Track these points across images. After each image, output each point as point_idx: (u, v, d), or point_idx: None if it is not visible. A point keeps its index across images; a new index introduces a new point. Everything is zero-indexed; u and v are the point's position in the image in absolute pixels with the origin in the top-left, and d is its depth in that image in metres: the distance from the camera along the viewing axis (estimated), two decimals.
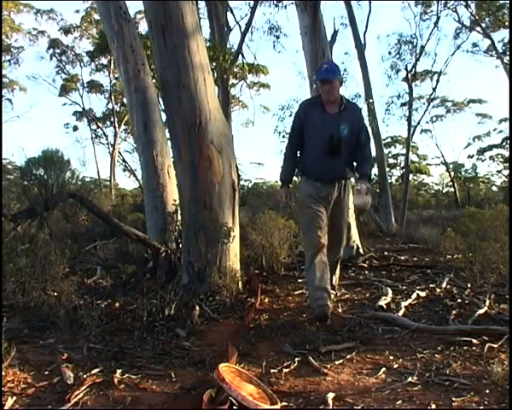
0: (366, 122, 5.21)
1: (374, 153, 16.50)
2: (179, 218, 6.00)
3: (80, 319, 4.42)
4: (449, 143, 55.52)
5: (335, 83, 4.75)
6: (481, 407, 2.81)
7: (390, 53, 18.36)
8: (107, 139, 29.42)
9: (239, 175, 11.00)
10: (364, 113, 12.91)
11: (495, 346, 3.78)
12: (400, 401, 2.94)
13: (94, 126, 29.50)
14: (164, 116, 6.99)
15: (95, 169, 31.08)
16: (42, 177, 6.77)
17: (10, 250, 5.42)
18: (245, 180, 26.31)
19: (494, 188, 28.25)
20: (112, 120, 27.39)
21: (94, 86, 27.89)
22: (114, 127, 27.30)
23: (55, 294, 4.84)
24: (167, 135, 7.24)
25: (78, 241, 8.21)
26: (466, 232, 7.92)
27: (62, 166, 6.93)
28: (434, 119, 25.94)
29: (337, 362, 3.63)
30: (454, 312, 4.71)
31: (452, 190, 23.87)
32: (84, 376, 3.40)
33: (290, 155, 5.08)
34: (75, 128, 30.66)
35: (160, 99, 7.04)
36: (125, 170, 30.06)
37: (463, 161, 36.99)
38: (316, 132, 4.81)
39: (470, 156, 27.24)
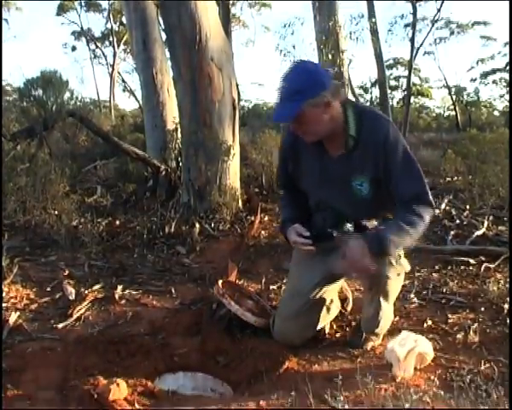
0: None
1: (375, 74, 16.19)
2: (179, 136, 5.94)
3: (81, 237, 4.47)
4: (452, 67, 54.16)
5: (308, 113, 2.21)
6: (476, 324, 2.87)
7: None
8: (106, 60, 28.88)
9: (239, 94, 10.86)
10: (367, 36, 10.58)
11: (491, 266, 3.83)
12: (397, 318, 2.99)
13: (93, 46, 28.92)
14: (163, 35, 6.84)
15: (94, 90, 30.74)
16: (40, 97, 6.70)
17: (10, 170, 5.42)
18: (245, 101, 25.96)
19: (496, 113, 27.79)
20: (111, 39, 26.79)
21: (92, 5, 27.07)
22: (113, 47, 26.69)
23: (56, 212, 4.85)
24: (167, 54, 7.09)
25: (78, 161, 8.16)
26: (466, 155, 7.90)
27: (61, 86, 6.84)
28: (438, 41, 25.21)
29: None
30: (452, 232, 4.73)
31: (454, 113, 23.50)
32: (86, 292, 3.47)
33: (288, 199, 2.78)
34: (73, 48, 30.09)
35: (160, 17, 6.87)
36: (124, 90, 29.83)
37: (466, 84, 36.36)
38: (314, 194, 2.60)
39: (473, 80, 26.72)
